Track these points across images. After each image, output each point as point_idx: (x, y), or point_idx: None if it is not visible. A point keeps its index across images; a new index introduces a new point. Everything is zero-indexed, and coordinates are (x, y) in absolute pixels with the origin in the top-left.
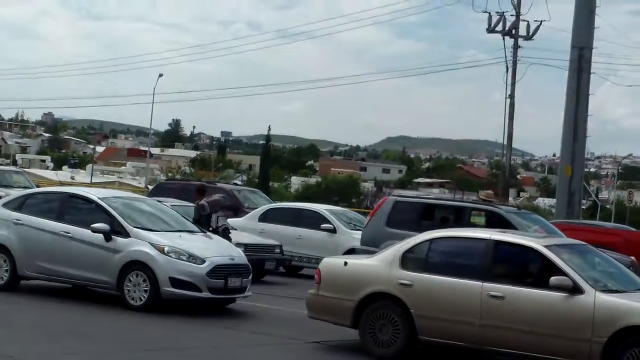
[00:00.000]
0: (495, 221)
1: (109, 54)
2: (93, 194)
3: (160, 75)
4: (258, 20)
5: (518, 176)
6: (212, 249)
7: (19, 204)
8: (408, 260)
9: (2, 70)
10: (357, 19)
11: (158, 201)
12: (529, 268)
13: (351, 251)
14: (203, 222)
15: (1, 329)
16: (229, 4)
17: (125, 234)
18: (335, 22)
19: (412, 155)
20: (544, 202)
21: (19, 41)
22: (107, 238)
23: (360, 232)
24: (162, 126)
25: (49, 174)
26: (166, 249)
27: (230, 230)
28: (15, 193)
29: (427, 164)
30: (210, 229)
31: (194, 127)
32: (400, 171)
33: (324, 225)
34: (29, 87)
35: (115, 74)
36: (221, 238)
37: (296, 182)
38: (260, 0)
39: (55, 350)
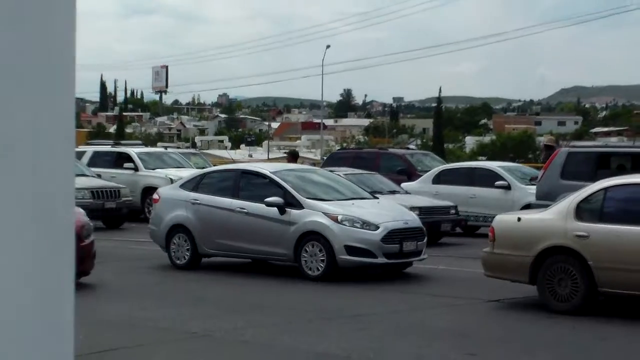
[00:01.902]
0: None
1: (277, 30)
2: (265, 168)
3: (328, 46)
4: None
5: None
6: (385, 215)
7: (195, 184)
8: (583, 211)
9: (176, 56)
10: None
11: (330, 171)
12: None
13: (527, 207)
14: None
15: (185, 306)
16: None
17: (298, 205)
18: None
19: (587, 106)
20: None
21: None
22: (282, 211)
23: (535, 187)
24: (334, 97)
25: (228, 154)
26: (340, 217)
27: None
28: (192, 173)
29: (604, 113)
30: None
31: (365, 95)
32: (576, 122)
33: (498, 183)
34: (202, 70)
35: (284, 49)
36: (395, 203)
37: (470, 142)
38: None
39: (238, 324)
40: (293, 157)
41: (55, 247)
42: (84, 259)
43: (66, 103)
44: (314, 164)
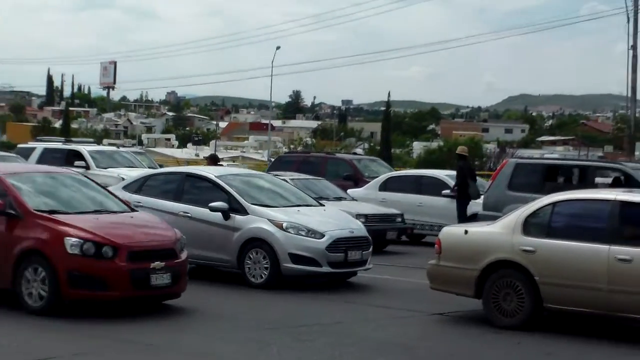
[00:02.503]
0: (622, 180)
1: (229, 29)
2: (210, 172)
3: (278, 47)
4: None
5: None
6: (331, 223)
7: (139, 186)
8: (530, 225)
9: (125, 52)
10: None
11: (276, 175)
12: None
13: (474, 217)
14: None
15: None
16: None
17: (243, 211)
18: None
19: (534, 114)
20: None
21: (141, 23)
22: (226, 216)
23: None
24: (283, 98)
25: (175, 152)
26: (285, 224)
27: None
28: (135, 175)
29: (550, 122)
30: None
31: (314, 97)
32: (522, 130)
33: (444, 192)
34: (152, 67)
35: (235, 49)
36: (340, 210)
37: (418, 147)
38: None
39: (175, 333)
40: (213, 161)
41: None
42: (179, 279)
43: None
44: (235, 165)
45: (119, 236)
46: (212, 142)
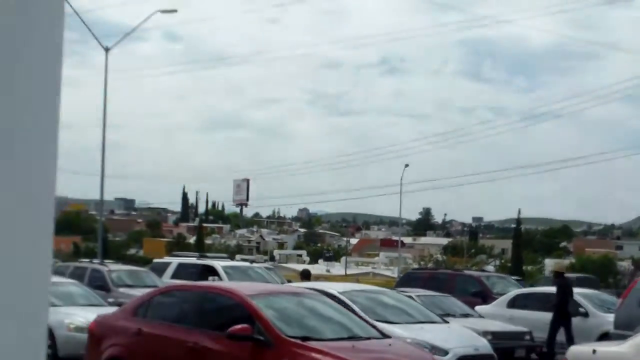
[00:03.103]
0: None
1: (356, 147)
2: (334, 288)
3: (407, 165)
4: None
5: None
6: (455, 339)
7: None
8: None
9: (258, 170)
10: (603, 95)
11: (402, 292)
12: None
13: (605, 335)
14: None
15: None
16: (469, 92)
17: None
18: (580, 100)
19: None
20: None
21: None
22: None
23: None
24: (414, 215)
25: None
26: (408, 340)
27: None
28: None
29: None
30: None
31: (445, 214)
32: None
33: (580, 309)
34: (283, 184)
35: (363, 167)
36: (465, 327)
37: (550, 264)
38: (501, 86)
39: None
40: (305, 277)
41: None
42: None
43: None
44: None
45: None
46: (343, 259)
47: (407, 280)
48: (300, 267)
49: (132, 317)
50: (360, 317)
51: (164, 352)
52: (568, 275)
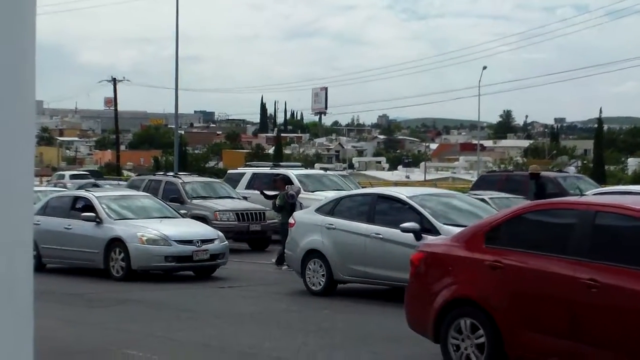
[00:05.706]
0: None
1: (434, 51)
2: (402, 193)
3: (484, 67)
4: (583, 2)
5: None
6: None
7: (331, 209)
8: None
9: (336, 77)
10: None
11: (475, 194)
12: None
13: None
14: (288, 209)
15: (310, 336)
16: None
17: (435, 231)
18: None
19: None
20: None
21: (348, 48)
22: (418, 237)
23: None
24: (494, 118)
25: (385, 175)
26: None
27: None
28: (329, 197)
29: None
30: None
31: (526, 116)
32: None
33: None
34: (361, 91)
35: (442, 70)
36: None
37: (633, 163)
38: None
39: (363, 357)
40: (286, 182)
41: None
42: None
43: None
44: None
45: None
46: (423, 164)
47: (482, 183)
48: (379, 174)
49: (478, 246)
50: (426, 219)
51: (542, 291)
52: None
